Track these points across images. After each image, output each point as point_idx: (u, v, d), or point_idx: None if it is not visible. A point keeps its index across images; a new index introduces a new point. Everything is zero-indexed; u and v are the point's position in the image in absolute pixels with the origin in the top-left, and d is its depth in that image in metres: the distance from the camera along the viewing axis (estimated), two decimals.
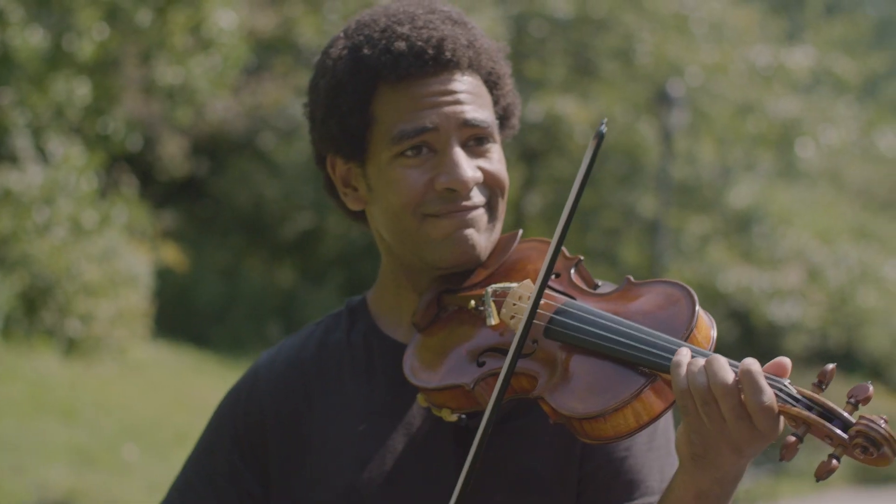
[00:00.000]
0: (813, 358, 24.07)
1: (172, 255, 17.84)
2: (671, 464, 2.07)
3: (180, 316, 17.96)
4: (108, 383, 13.56)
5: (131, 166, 16.75)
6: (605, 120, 1.99)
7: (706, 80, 20.93)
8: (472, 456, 1.92)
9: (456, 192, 2.09)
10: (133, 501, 10.38)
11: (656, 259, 18.57)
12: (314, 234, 21.21)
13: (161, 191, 19.04)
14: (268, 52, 19.69)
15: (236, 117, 19.71)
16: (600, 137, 1.90)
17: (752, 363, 1.75)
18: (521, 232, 2.21)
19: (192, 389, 15.06)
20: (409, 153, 2.09)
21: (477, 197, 2.12)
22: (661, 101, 18.32)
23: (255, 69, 18.91)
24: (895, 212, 32.39)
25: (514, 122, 2.25)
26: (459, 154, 2.09)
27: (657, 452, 2.10)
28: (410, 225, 2.11)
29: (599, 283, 2.13)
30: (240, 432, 2.25)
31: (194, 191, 20.70)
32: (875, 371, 26.24)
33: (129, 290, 13.96)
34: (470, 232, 2.11)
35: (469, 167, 2.09)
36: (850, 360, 25.71)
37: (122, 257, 13.87)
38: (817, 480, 1.71)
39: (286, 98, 19.93)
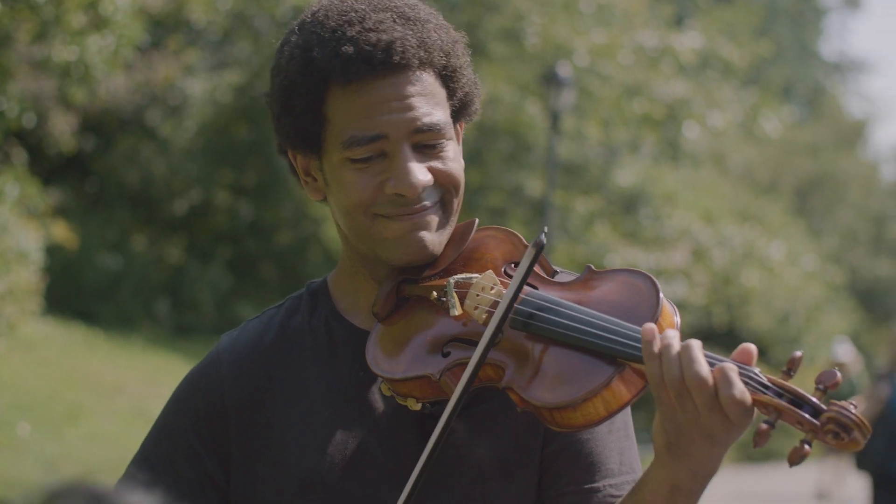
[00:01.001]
0: (697, 336, 24.47)
1: (62, 231, 17.81)
2: (630, 447, 2.13)
3: (70, 292, 18.01)
4: None
5: (20, 142, 16.77)
6: (546, 230, 2.09)
7: (594, 62, 21.25)
8: (432, 446, 1.96)
9: (405, 196, 2.09)
10: (26, 478, 10.44)
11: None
12: (201, 210, 21.30)
13: (49, 167, 19.01)
14: (158, 29, 19.72)
15: (125, 94, 19.71)
16: (539, 247, 1.96)
17: (724, 372, 1.79)
18: (477, 221, 2.21)
19: (82, 366, 15.18)
20: (358, 158, 2.09)
21: (429, 198, 2.12)
22: (549, 81, 18.45)
23: (147, 47, 18.95)
24: (777, 194, 33.19)
25: (474, 108, 2.24)
26: (409, 159, 2.08)
27: (616, 434, 2.12)
28: (363, 224, 2.12)
29: (557, 269, 2.14)
30: (201, 416, 2.23)
31: (82, 167, 20.65)
32: (757, 349, 26.88)
33: (20, 267, 13.94)
34: (422, 233, 2.12)
35: (419, 172, 2.09)
36: (733, 338, 26.21)
37: (11, 234, 13.84)
38: (790, 465, 1.76)
39: (176, 75, 20.04)
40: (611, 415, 1.88)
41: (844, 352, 16.61)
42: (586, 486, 2.08)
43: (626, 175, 23.09)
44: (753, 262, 26.48)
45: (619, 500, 2.03)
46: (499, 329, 1.93)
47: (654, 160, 24.61)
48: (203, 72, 21.08)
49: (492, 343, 1.93)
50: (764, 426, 1.75)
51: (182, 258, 20.81)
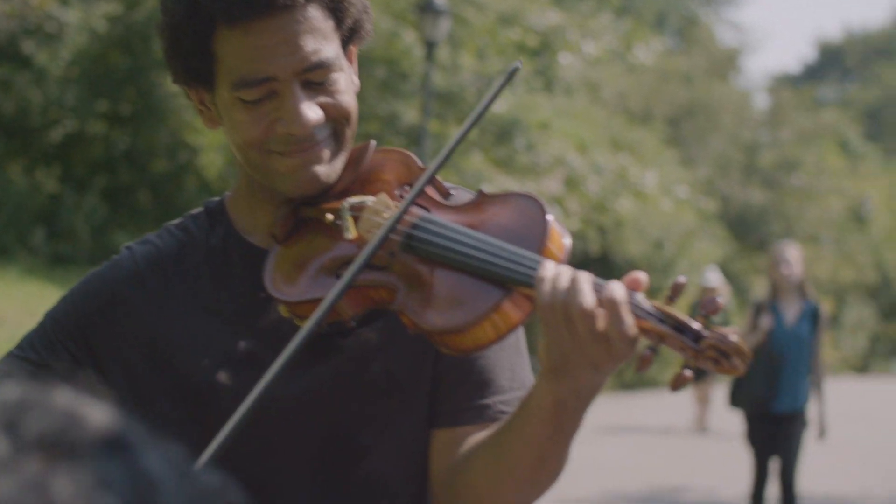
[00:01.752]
0: (572, 263, 24.95)
1: None
2: (521, 363, 2.17)
3: None
4: None
5: None
6: (521, 60, 2.14)
7: None
8: (289, 352, 1.94)
9: (296, 135, 2.09)
10: None
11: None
12: (77, 139, 21.25)
13: None
14: None
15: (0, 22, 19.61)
16: (513, 70, 2.03)
17: (616, 291, 1.80)
18: (373, 143, 2.23)
19: None
20: (249, 100, 2.10)
21: (320, 133, 2.12)
22: (424, 10, 18.57)
23: None
24: (651, 123, 33.73)
25: (365, 31, 2.23)
26: (299, 100, 2.09)
27: (507, 352, 2.15)
28: (256, 158, 2.13)
29: (451, 189, 2.16)
30: (90, 320, 2.23)
31: None
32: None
33: None
34: (315, 168, 2.12)
35: (309, 111, 2.09)
36: (607, 264, 26.72)
37: None
38: (672, 391, 1.81)
39: (51, 3, 19.93)
40: (500, 338, 1.90)
41: (714, 278, 16.98)
42: (477, 403, 2.12)
43: (501, 104, 22.97)
44: (627, 190, 27.01)
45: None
46: (376, 249, 1.95)
47: (528, 89, 24.88)
48: (78, 0, 20.98)
49: (365, 263, 1.95)
50: (647, 352, 1.80)
51: (57, 188, 20.76)
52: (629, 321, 1.77)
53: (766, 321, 9.46)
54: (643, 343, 1.82)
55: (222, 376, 2.16)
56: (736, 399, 9.89)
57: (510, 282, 1.88)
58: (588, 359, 1.80)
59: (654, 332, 1.78)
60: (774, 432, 9.51)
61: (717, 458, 15.83)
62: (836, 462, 14.91)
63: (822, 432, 9.75)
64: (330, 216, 2.12)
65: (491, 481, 2.01)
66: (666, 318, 1.79)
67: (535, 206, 1.96)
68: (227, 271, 2.23)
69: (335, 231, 2.10)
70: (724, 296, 16.46)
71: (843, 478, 14.22)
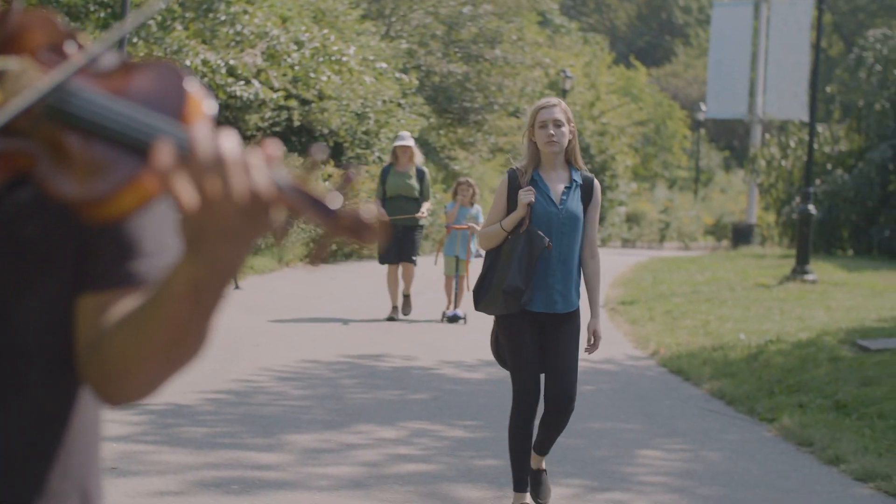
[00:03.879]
0: (276, 133, 25.55)
1: None
2: (166, 229, 2.12)
3: None
4: None
5: None
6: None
7: None
8: None
9: None
10: None
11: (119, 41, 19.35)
12: None
13: None
14: None
15: None
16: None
17: (252, 158, 1.76)
18: (18, 4, 2.09)
19: None
20: None
21: None
22: None
23: None
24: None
25: None
26: None
27: (154, 218, 2.10)
28: None
29: (94, 50, 2.03)
30: None
31: None
32: (335, 146, 28.29)
33: None
34: None
35: None
36: (310, 135, 27.57)
37: None
38: (311, 264, 1.83)
39: None
40: (141, 206, 1.87)
41: (406, 136, 17.52)
42: (122, 268, 2.06)
43: None
44: (329, 63, 27.86)
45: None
46: (11, 118, 1.87)
47: None
48: None
49: None
50: (283, 223, 1.79)
51: None
52: (264, 189, 1.75)
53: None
54: (282, 216, 1.82)
55: None
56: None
57: (149, 149, 1.83)
58: (224, 229, 1.77)
59: (289, 205, 1.78)
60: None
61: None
62: None
63: None
64: None
65: (130, 355, 1.97)
66: (302, 192, 1.77)
67: (173, 74, 1.93)
68: None
69: None
70: (419, 158, 17.21)
71: None
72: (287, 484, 7.98)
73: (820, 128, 37.00)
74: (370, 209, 1.76)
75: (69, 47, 1.97)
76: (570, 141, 7.50)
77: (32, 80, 1.90)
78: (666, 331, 17.26)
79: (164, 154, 1.76)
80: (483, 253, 7.69)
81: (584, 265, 7.57)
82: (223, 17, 24.79)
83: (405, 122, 31.58)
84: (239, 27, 25.03)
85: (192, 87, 1.90)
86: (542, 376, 7.46)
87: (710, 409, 11.89)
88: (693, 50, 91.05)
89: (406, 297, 17.47)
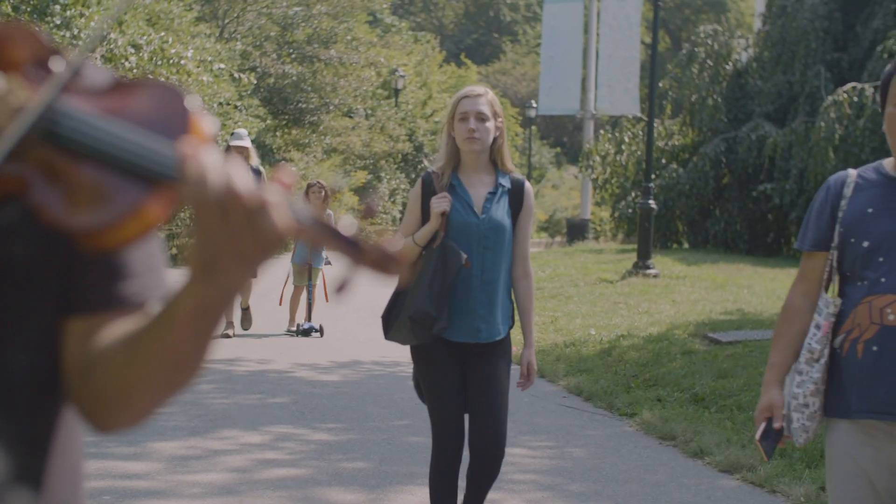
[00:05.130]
0: None
1: None
2: (152, 250, 2.07)
3: None
4: None
5: None
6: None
7: None
8: None
9: None
10: None
11: None
12: None
13: None
14: None
15: None
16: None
17: (270, 193, 1.72)
18: None
19: None
20: None
21: None
22: None
23: None
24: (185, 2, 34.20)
25: None
26: None
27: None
28: None
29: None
30: None
31: None
32: None
33: None
34: None
35: None
36: None
37: None
38: (337, 293, 1.75)
39: None
40: (145, 234, 1.78)
41: (243, 134, 16.76)
42: (112, 290, 2.00)
43: None
44: (167, 65, 27.67)
45: (149, 300, 2.01)
46: (12, 146, 1.76)
47: None
48: None
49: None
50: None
51: None
52: (286, 224, 1.70)
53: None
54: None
55: None
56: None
57: (155, 176, 1.76)
58: (240, 252, 1.73)
59: (311, 237, 1.73)
60: None
61: None
62: None
63: None
64: None
65: (129, 382, 1.92)
66: (322, 226, 1.72)
67: (173, 94, 1.83)
68: None
69: None
70: (255, 160, 16.27)
71: None
72: (159, 492, 7.97)
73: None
74: (395, 242, 1.70)
75: (55, 63, 1.84)
76: (496, 139, 6.31)
77: (21, 100, 1.77)
78: (515, 328, 17.31)
79: (191, 179, 1.70)
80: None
81: (516, 285, 6.51)
82: (59, 21, 24.45)
83: (242, 125, 31.52)
84: (75, 30, 24.69)
85: (194, 106, 1.81)
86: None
87: (570, 405, 12.02)
88: (521, 47, 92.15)
89: (245, 310, 16.37)
